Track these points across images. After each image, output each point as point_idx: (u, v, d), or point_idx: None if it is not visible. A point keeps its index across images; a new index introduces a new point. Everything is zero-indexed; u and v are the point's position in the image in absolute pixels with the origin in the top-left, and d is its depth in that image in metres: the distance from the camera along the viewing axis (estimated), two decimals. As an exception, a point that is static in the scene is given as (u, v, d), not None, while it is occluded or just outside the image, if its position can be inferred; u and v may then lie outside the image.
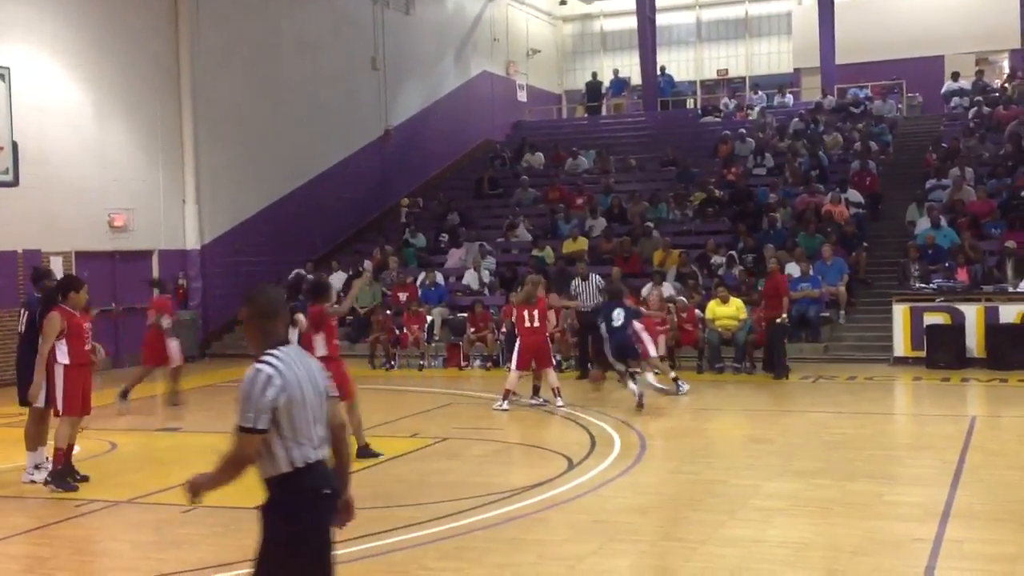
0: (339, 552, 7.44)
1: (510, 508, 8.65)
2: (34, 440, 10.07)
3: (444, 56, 30.97)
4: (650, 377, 13.93)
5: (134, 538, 8.34)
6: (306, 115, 24.55)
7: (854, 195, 22.56)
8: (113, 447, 11.84)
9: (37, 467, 10.03)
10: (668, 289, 18.68)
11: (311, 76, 24.81)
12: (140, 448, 11.95)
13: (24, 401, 10.04)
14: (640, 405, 13.27)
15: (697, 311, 17.81)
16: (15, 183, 14.36)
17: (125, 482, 10.15)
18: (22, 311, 10.56)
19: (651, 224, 22.82)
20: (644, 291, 18.55)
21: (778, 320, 16.35)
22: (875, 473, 9.85)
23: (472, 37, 32.48)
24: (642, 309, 15.74)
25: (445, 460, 10.83)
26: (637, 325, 13.95)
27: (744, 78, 36.29)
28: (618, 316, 13.71)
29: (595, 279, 17.12)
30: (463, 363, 19.06)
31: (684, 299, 17.99)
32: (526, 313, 13.88)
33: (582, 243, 22.29)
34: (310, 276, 21.66)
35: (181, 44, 21.37)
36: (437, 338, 19.95)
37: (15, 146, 14.13)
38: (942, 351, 16.91)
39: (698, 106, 34.58)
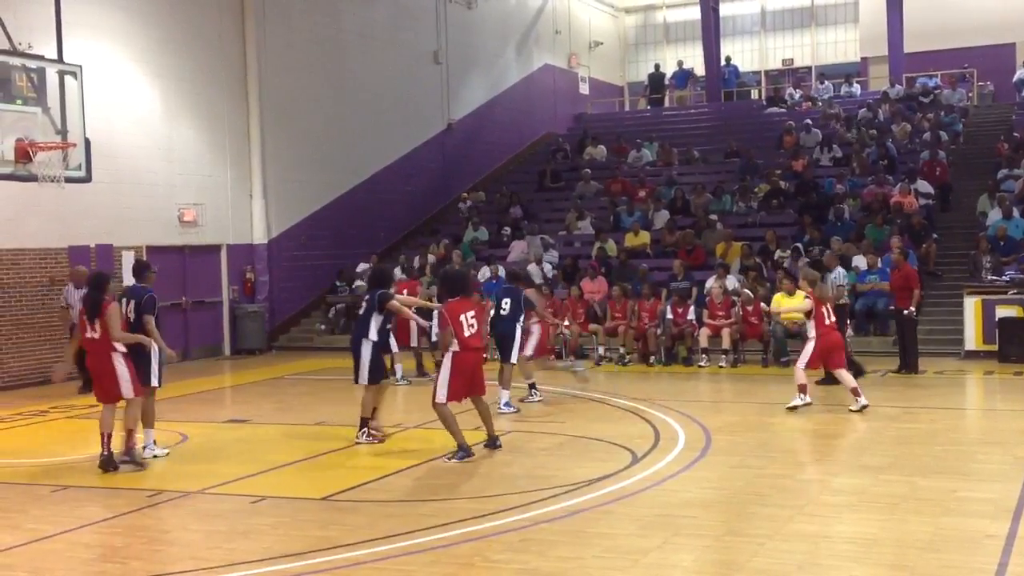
0: (404, 544, 7.57)
1: (574, 501, 8.65)
2: (150, 417, 10.90)
3: (506, 49, 30.99)
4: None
5: (204, 528, 8.49)
6: (369, 110, 24.73)
7: (923, 186, 22.16)
8: (184, 438, 12.06)
9: (155, 442, 10.92)
10: (731, 282, 18.54)
11: (374, 71, 24.99)
12: (209, 439, 12.15)
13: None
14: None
15: (762, 304, 17.62)
16: (88, 179, 14.65)
17: (195, 473, 10.34)
18: (125, 300, 10.99)
19: (715, 216, 22.63)
20: (707, 284, 18.44)
21: (905, 312, 15.69)
22: (945, 469, 9.68)
23: (534, 30, 32.45)
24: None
25: (508, 453, 10.86)
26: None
27: (810, 68, 35.80)
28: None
29: (839, 272, 16.36)
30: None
31: (750, 292, 17.81)
32: (824, 309, 12.81)
33: (644, 236, 22.20)
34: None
35: (248, 41, 21.63)
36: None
37: (87, 143, 14.40)
38: (1015, 344, 16.56)
39: (763, 97, 34.20)
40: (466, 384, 10.46)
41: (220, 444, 11.99)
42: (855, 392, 12.73)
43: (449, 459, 10.35)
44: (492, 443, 10.82)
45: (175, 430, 12.47)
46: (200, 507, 9.12)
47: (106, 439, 10.31)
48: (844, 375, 12.95)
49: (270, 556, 7.44)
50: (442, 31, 27.52)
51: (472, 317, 10.46)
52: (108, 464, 10.28)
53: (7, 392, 16.27)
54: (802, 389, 12.85)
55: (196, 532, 8.38)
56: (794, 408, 12.75)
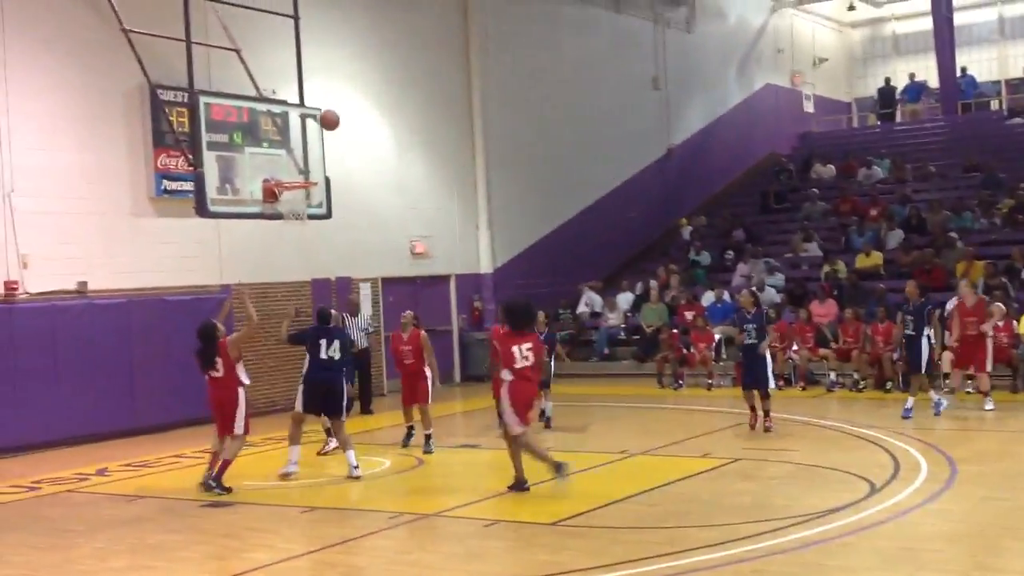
0: (632, 571, 7.56)
1: (810, 532, 8.40)
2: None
3: (727, 71, 30.62)
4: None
5: (441, 549, 8.78)
6: (589, 138, 24.97)
7: None
8: (419, 463, 12.49)
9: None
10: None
11: (594, 100, 25.23)
12: (443, 464, 12.54)
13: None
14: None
15: (1013, 324, 16.57)
16: (328, 215, 15.43)
17: (430, 496, 10.70)
18: (325, 336, 11.89)
19: (954, 234, 21.50)
20: (948, 306, 17.52)
21: None
22: None
23: (755, 50, 31.92)
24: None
25: (739, 481, 10.68)
26: None
27: (1054, 75, 33.56)
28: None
29: None
30: (753, 382, 18.66)
31: (1002, 305, 16.74)
32: None
33: (876, 257, 21.35)
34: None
35: (472, 79, 22.36)
36: (725, 356, 19.68)
37: (327, 181, 15.20)
38: None
39: (1003, 107, 32.30)
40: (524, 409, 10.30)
41: (453, 468, 12.35)
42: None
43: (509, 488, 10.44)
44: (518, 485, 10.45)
45: (413, 455, 12.95)
46: (437, 529, 9.43)
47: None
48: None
49: (504, 579, 7.60)
50: (661, 56, 27.50)
51: (528, 349, 10.27)
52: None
53: (259, 418, 17.30)
54: None
55: (434, 554, 8.66)
56: None
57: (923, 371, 14.76)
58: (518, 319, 10.55)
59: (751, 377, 13.74)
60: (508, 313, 10.82)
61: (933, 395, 14.59)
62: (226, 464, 11.09)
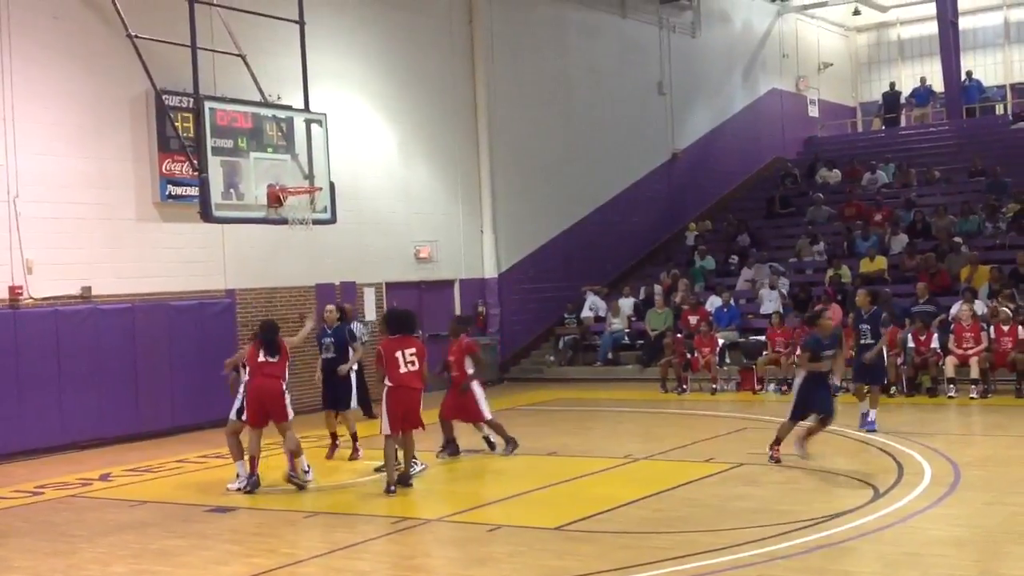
0: (640, 576, 7.56)
1: (814, 537, 8.38)
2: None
3: (732, 76, 30.63)
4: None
5: (445, 555, 8.77)
6: (594, 143, 25.00)
7: None
8: (424, 467, 12.48)
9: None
10: (980, 307, 17.54)
11: (599, 105, 25.27)
12: (446, 468, 12.54)
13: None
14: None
15: (1021, 329, 16.54)
16: (333, 220, 15.46)
17: (434, 501, 10.70)
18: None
19: (959, 239, 21.47)
20: (953, 310, 17.54)
21: None
22: None
23: (760, 55, 31.94)
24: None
25: (743, 486, 10.66)
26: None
27: (1060, 78, 33.49)
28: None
29: None
30: (757, 387, 18.67)
31: (1008, 311, 16.71)
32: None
33: (881, 261, 21.32)
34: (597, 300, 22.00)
35: (478, 84, 22.39)
36: (728, 361, 19.67)
37: (332, 186, 15.22)
38: None
39: (1009, 111, 32.26)
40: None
41: (456, 473, 12.34)
42: None
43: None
44: (403, 480, 11.09)
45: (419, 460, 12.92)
46: (440, 534, 9.43)
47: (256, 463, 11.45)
48: None
49: (507, 584, 7.60)
50: (666, 61, 27.51)
51: (411, 354, 10.94)
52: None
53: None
54: None
55: (437, 559, 8.66)
56: None
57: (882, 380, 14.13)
58: (396, 325, 11.20)
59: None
60: (387, 319, 11.47)
61: (871, 410, 13.80)
62: (292, 456, 11.43)
